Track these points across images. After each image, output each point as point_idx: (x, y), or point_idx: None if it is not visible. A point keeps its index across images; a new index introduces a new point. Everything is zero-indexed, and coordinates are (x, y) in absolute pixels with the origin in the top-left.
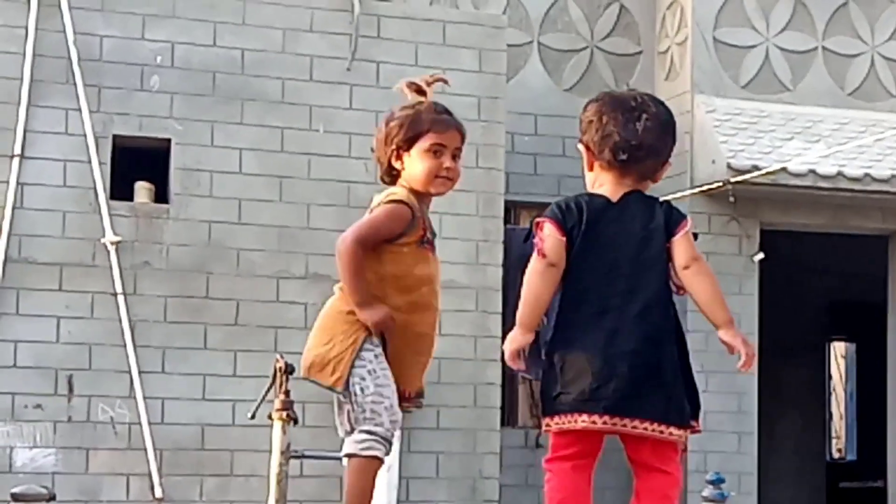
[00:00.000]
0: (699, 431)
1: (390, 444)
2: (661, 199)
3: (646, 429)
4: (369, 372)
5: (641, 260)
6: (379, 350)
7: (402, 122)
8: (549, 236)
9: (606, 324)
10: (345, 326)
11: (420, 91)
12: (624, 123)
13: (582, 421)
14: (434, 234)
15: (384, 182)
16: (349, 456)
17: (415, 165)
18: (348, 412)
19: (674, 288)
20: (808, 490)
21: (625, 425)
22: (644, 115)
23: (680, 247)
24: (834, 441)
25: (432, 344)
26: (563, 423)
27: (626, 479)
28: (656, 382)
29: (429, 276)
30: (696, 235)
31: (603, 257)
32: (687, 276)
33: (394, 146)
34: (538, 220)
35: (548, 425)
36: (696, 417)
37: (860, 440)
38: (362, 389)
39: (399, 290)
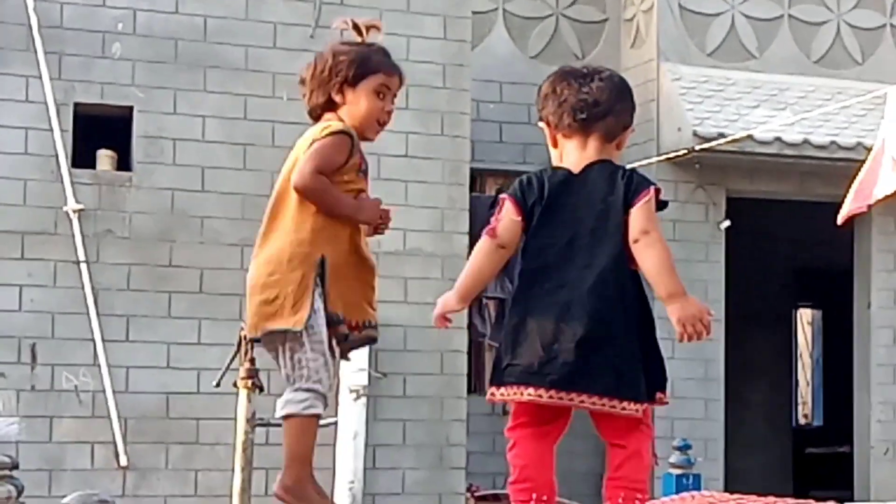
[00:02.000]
0: (665, 403)
1: (326, 399)
2: (627, 166)
3: (594, 403)
4: (306, 328)
5: (598, 233)
6: (318, 301)
7: (353, 58)
8: (504, 216)
9: (561, 297)
10: (289, 265)
11: (358, 32)
12: (578, 88)
13: (528, 394)
14: (367, 165)
15: (312, 116)
16: (290, 416)
17: (359, 103)
18: (283, 366)
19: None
20: (775, 456)
21: (571, 399)
22: (597, 77)
23: (634, 219)
24: (800, 407)
25: (374, 269)
26: (508, 395)
27: (595, 445)
28: (606, 356)
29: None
30: (665, 203)
31: (561, 231)
32: (636, 250)
33: (339, 79)
34: (500, 196)
35: (492, 394)
36: (661, 389)
37: (826, 406)
38: (300, 346)
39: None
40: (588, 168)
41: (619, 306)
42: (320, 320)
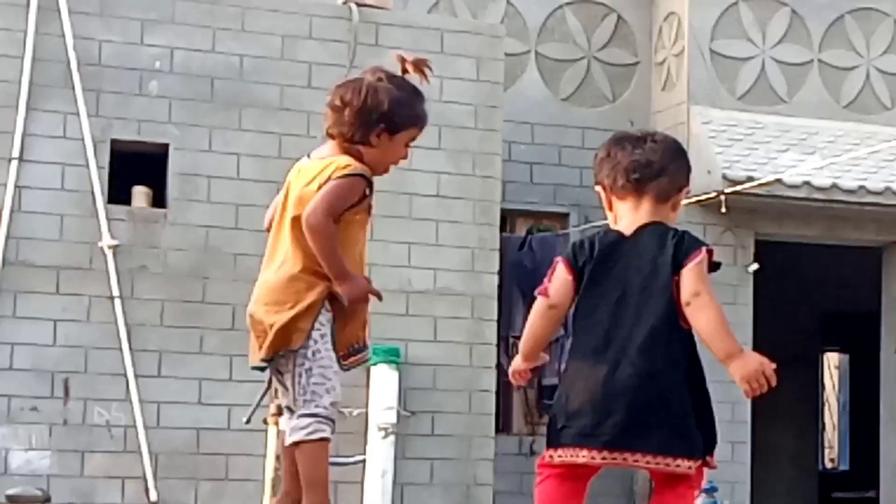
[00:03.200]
0: (714, 467)
1: (334, 423)
2: (680, 227)
3: (648, 462)
4: (313, 353)
5: (647, 291)
6: (327, 326)
7: (408, 108)
8: (556, 277)
9: (610, 356)
10: (300, 286)
11: (405, 70)
12: (631, 150)
13: (582, 456)
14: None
15: (330, 135)
16: (297, 444)
17: (390, 150)
18: (290, 389)
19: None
20: (801, 500)
21: (625, 459)
22: (650, 139)
23: (685, 281)
24: (827, 451)
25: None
26: (565, 457)
27: (621, 486)
28: (658, 414)
29: (365, 236)
30: (717, 265)
31: (611, 291)
32: (689, 312)
33: (384, 126)
34: (555, 258)
35: (550, 457)
36: (711, 451)
37: (853, 450)
38: (307, 371)
39: (349, 253)
40: (640, 229)
41: (669, 363)
42: (327, 344)
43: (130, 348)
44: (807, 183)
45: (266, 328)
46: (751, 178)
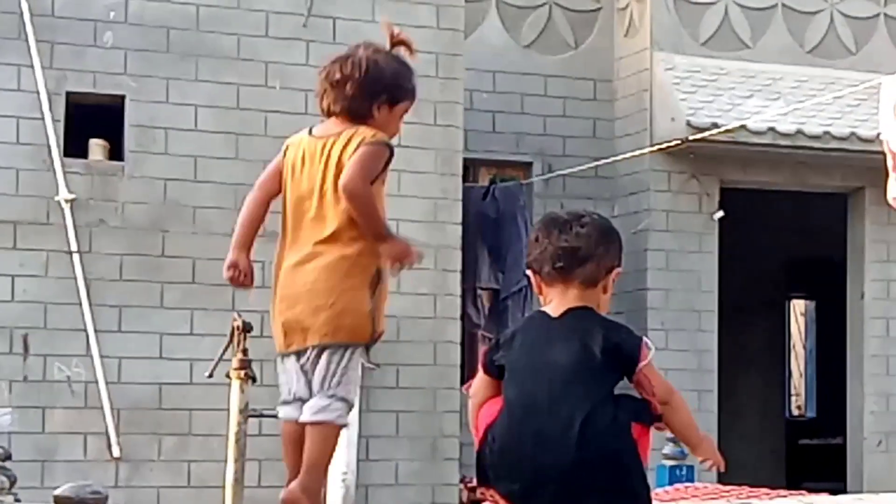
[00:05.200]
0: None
1: None
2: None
3: None
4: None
5: (578, 376)
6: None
7: (406, 80)
8: (476, 379)
9: (541, 437)
10: (361, 276)
11: (394, 42)
12: (558, 235)
13: None
14: None
15: (329, 113)
16: (322, 423)
17: (390, 123)
18: (317, 373)
19: (648, 417)
20: (768, 447)
21: None
22: (577, 224)
23: (648, 382)
24: (794, 398)
25: None
26: (499, 500)
27: None
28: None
29: (384, 205)
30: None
31: (539, 371)
32: (666, 412)
33: (386, 96)
34: (482, 347)
35: (482, 494)
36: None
37: (819, 398)
38: (348, 357)
39: None
40: (567, 311)
41: (604, 450)
42: None
43: (90, 303)
44: (772, 129)
45: (317, 314)
46: (715, 125)
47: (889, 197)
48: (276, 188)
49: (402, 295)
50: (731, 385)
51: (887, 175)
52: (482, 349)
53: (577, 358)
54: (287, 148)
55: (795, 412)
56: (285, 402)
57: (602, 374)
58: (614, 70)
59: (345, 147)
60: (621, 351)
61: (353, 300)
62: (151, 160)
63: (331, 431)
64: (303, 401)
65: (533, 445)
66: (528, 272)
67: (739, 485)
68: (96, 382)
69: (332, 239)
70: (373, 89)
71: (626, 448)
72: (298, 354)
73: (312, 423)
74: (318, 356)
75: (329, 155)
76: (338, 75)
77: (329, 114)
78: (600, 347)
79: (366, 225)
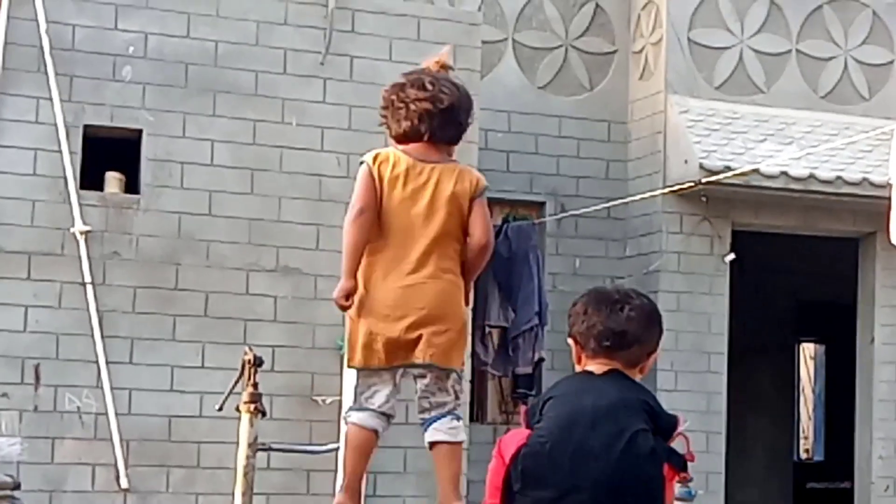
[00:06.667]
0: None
1: None
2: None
3: None
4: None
5: (619, 403)
6: None
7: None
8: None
9: (576, 444)
10: (464, 309)
11: (443, 68)
12: (607, 315)
13: None
14: None
15: (437, 138)
16: (458, 443)
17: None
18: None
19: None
20: (776, 490)
21: None
22: (627, 307)
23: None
24: (802, 441)
25: None
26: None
27: None
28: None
29: None
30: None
31: (580, 397)
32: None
33: (464, 128)
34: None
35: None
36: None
37: (828, 441)
38: (459, 379)
39: None
40: (612, 371)
41: (639, 470)
42: None
43: (102, 335)
44: (784, 173)
45: (438, 335)
46: (728, 168)
47: (892, 237)
48: (376, 206)
49: None
50: (740, 427)
51: (889, 217)
52: (522, 410)
53: (621, 396)
54: (379, 164)
55: (804, 455)
56: (367, 410)
57: (640, 413)
58: (628, 112)
59: (457, 182)
60: (659, 418)
61: (464, 329)
62: (167, 194)
63: (458, 450)
64: (390, 417)
65: (572, 453)
66: (570, 340)
67: None
68: (106, 414)
69: (448, 268)
70: (468, 119)
71: (659, 478)
72: (401, 370)
73: (451, 444)
74: (437, 377)
75: (437, 183)
76: (446, 102)
77: (423, 138)
78: (643, 424)
79: (477, 272)
